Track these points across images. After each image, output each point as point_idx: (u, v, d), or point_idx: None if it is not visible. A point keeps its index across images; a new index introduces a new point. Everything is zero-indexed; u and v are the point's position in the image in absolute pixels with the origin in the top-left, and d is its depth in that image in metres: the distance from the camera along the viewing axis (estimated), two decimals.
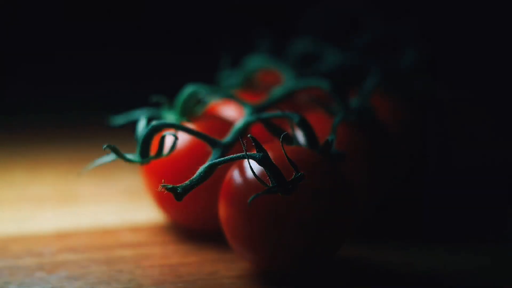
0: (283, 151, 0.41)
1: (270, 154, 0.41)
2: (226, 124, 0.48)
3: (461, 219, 0.53)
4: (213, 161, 0.42)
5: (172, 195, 0.41)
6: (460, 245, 0.49)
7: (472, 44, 0.66)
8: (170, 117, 0.49)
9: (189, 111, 0.49)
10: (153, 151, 0.45)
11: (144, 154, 0.44)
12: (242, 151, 0.41)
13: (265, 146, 0.41)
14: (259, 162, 0.40)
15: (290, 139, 0.44)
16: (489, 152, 0.61)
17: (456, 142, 0.59)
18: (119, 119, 0.50)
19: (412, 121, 0.55)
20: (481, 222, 0.52)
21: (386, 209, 0.53)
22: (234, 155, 0.41)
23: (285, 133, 0.42)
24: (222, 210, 0.43)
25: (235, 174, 0.42)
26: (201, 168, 0.41)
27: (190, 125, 0.47)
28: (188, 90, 0.49)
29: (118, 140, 0.46)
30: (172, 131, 0.45)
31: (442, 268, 0.46)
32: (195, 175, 0.41)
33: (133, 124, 0.47)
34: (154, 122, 0.44)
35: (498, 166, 0.59)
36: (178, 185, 0.41)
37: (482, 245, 0.49)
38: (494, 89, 0.65)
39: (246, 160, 0.41)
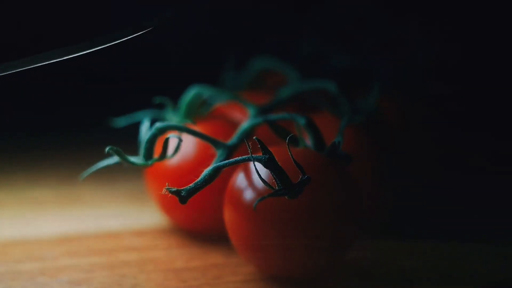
0: (289, 153, 0.40)
1: (276, 156, 0.40)
2: (231, 126, 0.48)
3: (469, 219, 0.52)
4: (218, 163, 0.41)
5: (176, 198, 0.40)
6: (470, 246, 0.49)
7: (479, 43, 0.67)
8: (174, 119, 0.49)
9: (193, 112, 0.49)
10: (156, 153, 0.44)
11: (148, 157, 0.44)
12: (248, 154, 0.40)
13: (271, 149, 0.41)
14: (265, 164, 0.40)
15: (297, 141, 0.44)
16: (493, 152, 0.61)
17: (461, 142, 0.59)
18: (122, 121, 0.50)
19: (419, 122, 0.55)
20: (490, 222, 0.52)
21: (394, 210, 0.52)
22: (240, 157, 0.41)
23: (291, 135, 0.42)
24: (227, 214, 0.43)
25: (241, 177, 0.42)
26: (205, 171, 0.41)
27: (195, 127, 0.47)
28: (192, 91, 0.49)
29: (121, 143, 0.46)
30: (176, 133, 0.44)
31: (449, 268, 0.45)
32: (199, 178, 0.41)
33: (137, 126, 0.47)
34: (158, 124, 0.44)
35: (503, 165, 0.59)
36: (182, 188, 0.40)
37: (491, 246, 0.49)
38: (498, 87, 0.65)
39: (251, 162, 0.41)
